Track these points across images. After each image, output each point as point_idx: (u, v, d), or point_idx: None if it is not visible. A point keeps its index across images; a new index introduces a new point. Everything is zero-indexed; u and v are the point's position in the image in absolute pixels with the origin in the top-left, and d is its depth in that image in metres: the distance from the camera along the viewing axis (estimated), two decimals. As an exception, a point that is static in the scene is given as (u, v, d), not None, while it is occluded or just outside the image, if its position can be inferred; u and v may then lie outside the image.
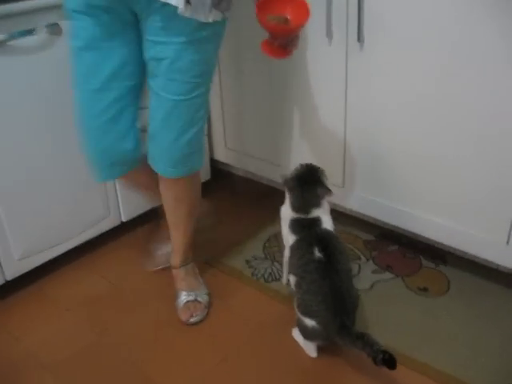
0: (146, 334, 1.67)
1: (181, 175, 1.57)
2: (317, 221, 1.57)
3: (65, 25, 1.59)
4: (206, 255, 1.96)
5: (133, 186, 1.80)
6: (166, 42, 1.39)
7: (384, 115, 1.72)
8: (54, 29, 1.62)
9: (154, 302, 1.78)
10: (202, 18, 1.35)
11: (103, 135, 1.51)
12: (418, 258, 1.92)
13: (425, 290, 1.77)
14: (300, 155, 2.02)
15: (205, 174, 2.32)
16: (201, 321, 1.69)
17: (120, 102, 1.48)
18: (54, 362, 1.57)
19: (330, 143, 1.90)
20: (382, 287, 1.79)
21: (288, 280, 1.66)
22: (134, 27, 1.44)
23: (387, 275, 1.85)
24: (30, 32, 1.59)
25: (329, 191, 1.58)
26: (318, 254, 1.49)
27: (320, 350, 1.54)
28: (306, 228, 1.57)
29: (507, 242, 1.59)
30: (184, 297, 1.72)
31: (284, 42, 1.46)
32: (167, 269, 1.80)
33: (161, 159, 1.55)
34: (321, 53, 1.78)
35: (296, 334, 1.57)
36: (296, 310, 1.53)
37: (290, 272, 1.58)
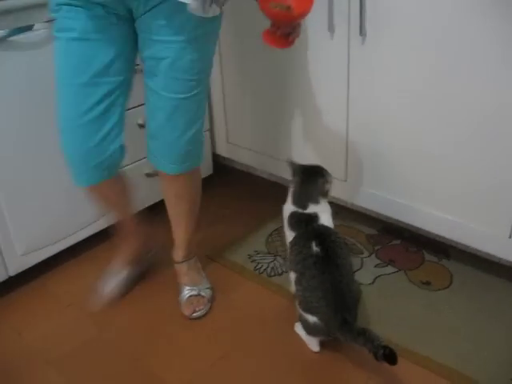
0: (148, 328, 1.67)
1: (183, 171, 1.57)
2: (314, 217, 1.57)
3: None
4: (208, 250, 1.96)
5: (101, 198, 1.65)
6: (166, 41, 1.37)
7: (386, 109, 1.72)
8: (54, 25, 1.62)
9: (156, 297, 1.78)
10: (202, 13, 1.33)
11: (90, 134, 1.44)
12: (421, 252, 1.92)
13: (427, 283, 1.77)
14: (302, 149, 2.02)
15: (207, 169, 2.32)
16: (203, 315, 1.69)
17: (109, 98, 1.43)
18: (57, 357, 1.57)
19: (332, 137, 1.90)
20: (384, 281, 1.79)
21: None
22: (127, 23, 1.41)
23: (390, 269, 1.85)
24: (29, 28, 1.59)
25: (329, 182, 1.60)
26: (315, 248, 1.49)
27: (322, 344, 1.55)
28: (303, 223, 1.57)
29: (509, 236, 1.59)
30: (187, 291, 1.72)
31: (286, 30, 1.43)
32: (170, 263, 1.80)
33: (163, 156, 1.54)
34: (323, 47, 1.77)
35: (298, 328, 1.58)
36: (297, 306, 1.53)
37: (290, 269, 1.58)
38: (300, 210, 1.59)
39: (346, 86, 1.78)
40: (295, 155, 2.04)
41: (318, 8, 1.69)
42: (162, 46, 1.38)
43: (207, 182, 2.29)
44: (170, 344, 1.61)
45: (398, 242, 1.98)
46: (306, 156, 2.01)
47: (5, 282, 1.77)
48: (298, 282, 1.52)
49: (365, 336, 1.37)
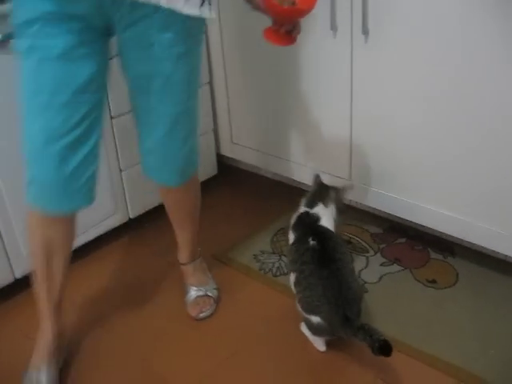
0: (155, 329, 1.67)
1: (184, 182, 1.55)
2: (316, 218, 1.61)
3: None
4: (213, 250, 1.96)
5: (45, 243, 1.45)
6: (159, 58, 1.30)
7: (390, 108, 1.72)
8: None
9: (162, 298, 1.79)
10: (197, 12, 1.25)
11: (68, 158, 1.31)
12: (426, 250, 1.91)
13: (433, 281, 1.77)
14: (306, 149, 2.02)
15: (211, 169, 2.33)
16: (210, 316, 1.70)
17: (89, 117, 1.32)
18: (64, 358, 1.57)
19: (336, 136, 1.90)
20: (390, 280, 1.79)
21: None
22: (105, 37, 1.32)
23: (395, 268, 1.84)
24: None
25: (340, 195, 1.69)
26: (311, 242, 1.52)
27: (328, 343, 1.55)
28: (304, 224, 1.62)
29: (515, 233, 1.59)
30: (194, 292, 1.73)
31: (289, 27, 1.39)
32: (175, 264, 1.81)
33: (163, 170, 1.50)
34: (325, 46, 1.77)
35: (304, 328, 1.58)
36: (300, 310, 1.53)
37: (289, 270, 1.60)
38: (307, 209, 1.63)
39: (350, 85, 1.78)
40: (299, 155, 2.05)
41: (320, 7, 1.69)
42: (155, 63, 1.31)
43: (211, 183, 2.30)
44: (177, 344, 1.61)
45: (404, 240, 1.98)
46: (310, 155, 2.01)
47: (11, 285, 1.78)
48: (297, 282, 1.53)
49: (364, 330, 1.37)
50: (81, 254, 1.95)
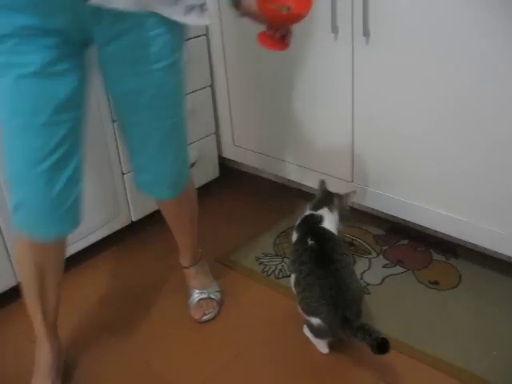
0: (159, 332, 1.67)
1: (179, 193, 1.51)
2: (319, 219, 1.63)
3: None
4: (215, 252, 1.96)
5: (36, 268, 1.39)
6: (145, 72, 1.25)
7: (392, 109, 1.72)
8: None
9: (165, 301, 1.79)
10: (185, 20, 1.22)
11: (53, 180, 1.25)
12: (429, 252, 1.91)
13: (436, 283, 1.77)
14: (308, 151, 2.02)
15: (213, 172, 2.33)
16: (213, 318, 1.70)
17: (71, 136, 1.26)
18: (68, 363, 1.58)
19: (337, 138, 1.90)
20: (392, 281, 1.79)
21: None
22: (83, 51, 1.26)
23: (398, 269, 1.84)
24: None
25: (345, 203, 1.71)
26: (310, 242, 1.54)
27: (331, 346, 1.54)
28: (306, 224, 1.64)
29: (518, 234, 1.59)
30: (197, 295, 1.73)
31: (283, 32, 1.38)
32: (177, 267, 1.81)
33: (157, 185, 1.47)
34: (326, 48, 1.77)
35: (307, 330, 1.58)
36: (300, 312, 1.54)
37: (290, 271, 1.62)
38: (310, 212, 1.66)
39: (351, 87, 1.78)
40: (301, 157, 2.05)
41: (321, 9, 1.70)
42: (142, 78, 1.26)
43: (213, 185, 2.31)
44: (180, 347, 1.61)
45: (406, 241, 1.97)
46: (312, 157, 2.01)
47: (14, 288, 1.78)
48: (297, 283, 1.54)
49: (364, 330, 1.37)
50: (83, 256, 1.96)
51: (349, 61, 1.74)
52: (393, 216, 1.95)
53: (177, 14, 1.21)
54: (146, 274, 1.92)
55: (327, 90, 1.85)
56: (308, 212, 1.69)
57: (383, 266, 1.86)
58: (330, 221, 1.64)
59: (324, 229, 1.60)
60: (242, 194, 2.36)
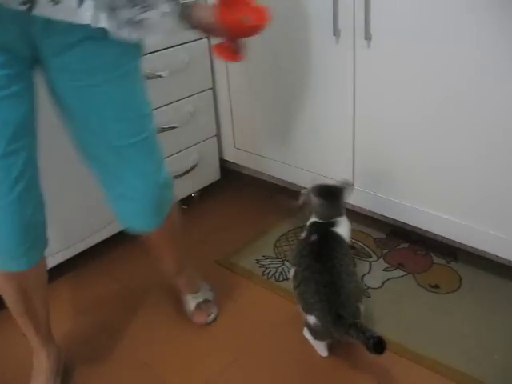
0: (158, 335, 1.67)
1: (163, 221, 1.40)
2: (333, 223, 1.62)
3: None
4: (216, 255, 1.96)
5: (20, 293, 1.36)
6: (100, 83, 1.15)
7: (393, 113, 1.72)
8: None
9: (165, 304, 1.79)
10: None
11: (22, 209, 1.18)
12: (429, 255, 1.91)
13: (436, 287, 1.77)
14: (309, 154, 2.02)
15: (214, 174, 2.33)
16: (216, 317, 1.70)
17: (30, 162, 1.17)
18: (67, 364, 1.58)
19: (339, 141, 1.90)
20: (393, 285, 1.79)
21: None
22: (32, 71, 1.16)
23: (398, 273, 1.84)
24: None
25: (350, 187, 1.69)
26: (313, 238, 1.55)
27: (331, 349, 1.54)
28: (318, 225, 1.63)
29: (518, 238, 1.59)
30: (193, 300, 1.72)
31: (239, 44, 1.36)
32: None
33: (138, 215, 1.36)
34: (328, 51, 1.78)
35: (306, 332, 1.57)
36: (300, 310, 1.53)
37: (291, 265, 1.61)
38: (324, 221, 1.64)
39: (352, 90, 1.78)
40: (302, 160, 2.05)
41: (322, 12, 1.71)
42: (97, 91, 1.16)
43: (214, 188, 2.31)
44: (180, 350, 1.61)
45: (406, 245, 1.97)
46: (313, 160, 2.01)
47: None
48: (295, 276, 1.55)
49: (356, 327, 1.36)
50: (83, 259, 1.96)
51: (350, 64, 1.74)
52: (393, 219, 1.95)
53: (111, 27, 1.07)
54: (146, 276, 1.92)
55: (328, 94, 1.86)
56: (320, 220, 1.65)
57: (384, 270, 1.86)
58: (343, 226, 1.63)
59: (333, 231, 1.59)
60: (242, 196, 2.36)
